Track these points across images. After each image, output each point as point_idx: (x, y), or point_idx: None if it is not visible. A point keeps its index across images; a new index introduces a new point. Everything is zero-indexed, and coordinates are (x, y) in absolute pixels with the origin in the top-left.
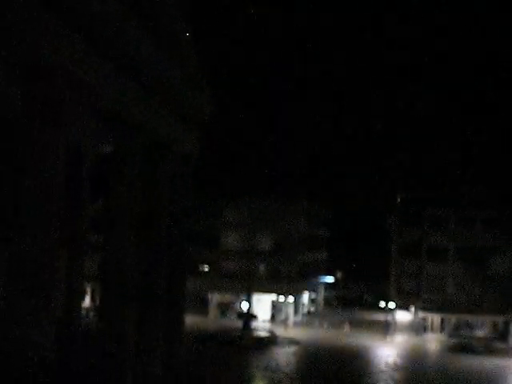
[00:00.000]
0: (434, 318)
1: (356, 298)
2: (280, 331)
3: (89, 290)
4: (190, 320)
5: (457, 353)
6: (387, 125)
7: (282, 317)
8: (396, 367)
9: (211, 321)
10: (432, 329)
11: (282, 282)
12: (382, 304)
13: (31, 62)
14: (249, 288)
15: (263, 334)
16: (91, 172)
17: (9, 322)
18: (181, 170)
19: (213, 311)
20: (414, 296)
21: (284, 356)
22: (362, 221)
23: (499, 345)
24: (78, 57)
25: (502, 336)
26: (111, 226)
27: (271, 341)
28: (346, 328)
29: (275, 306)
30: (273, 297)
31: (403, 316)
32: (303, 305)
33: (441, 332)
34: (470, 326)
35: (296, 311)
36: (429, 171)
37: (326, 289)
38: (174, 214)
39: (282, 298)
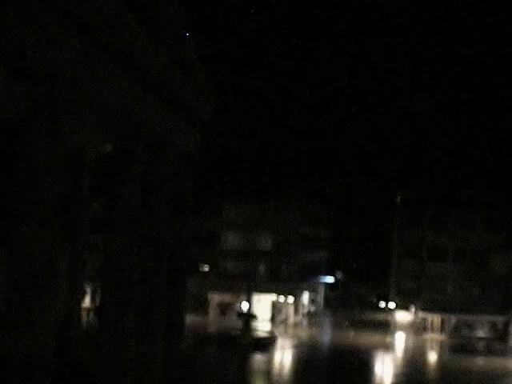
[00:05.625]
0: (434, 318)
1: (356, 298)
2: (280, 331)
3: (89, 290)
4: (190, 320)
5: (457, 353)
6: (387, 124)
7: (282, 317)
8: (396, 367)
9: (211, 321)
10: (432, 329)
11: (281, 282)
12: (382, 304)
13: (33, 65)
14: (249, 288)
15: (263, 334)
16: (92, 172)
17: (9, 323)
18: (181, 170)
19: (213, 311)
20: (413, 296)
21: (284, 356)
22: (362, 221)
23: (499, 345)
24: (80, 58)
25: (502, 336)
26: (112, 226)
27: (271, 341)
28: (346, 328)
29: (275, 306)
30: (273, 297)
31: (403, 316)
32: (303, 305)
33: (441, 332)
34: (470, 326)
35: (296, 311)
36: (429, 171)
37: (326, 289)
38: (174, 213)
39: (282, 298)
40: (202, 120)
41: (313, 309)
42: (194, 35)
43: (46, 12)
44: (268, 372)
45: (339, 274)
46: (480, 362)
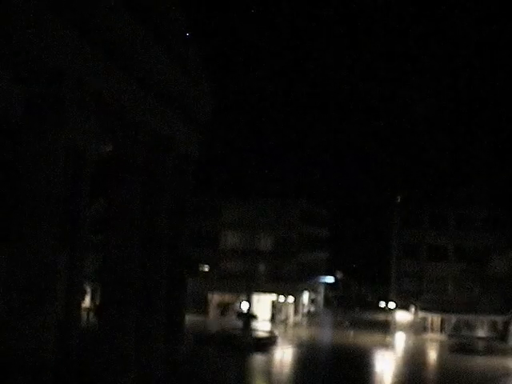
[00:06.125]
0: (434, 318)
1: (356, 298)
2: (280, 331)
3: (89, 290)
4: (190, 320)
5: (457, 353)
6: (387, 124)
7: (282, 317)
8: (396, 367)
9: (211, 321)
10: (432, 329)
11: (281, 282)
12: (382, 304)
13: (34, 65)
14: (249, 288)
15: (263, 334)
16: (92, 172)
17: (9, 323)
18: (181, 170)
19: (213, 311)
20: (413, 296)
21: (284, 356)
22: (362, 221)
23: (499, 345)
24: (81, 59)
25: (502, 336)
26: (112, 226)
27: (271, 341)
28: (346, 328)
29: (275, 306)
30: (273, 297)
31: (403, 316)
32: (303, 305)
33: (441, 332)
34: (469, 326)
35: (296, 311)
36: (429, 171)
37: (326, 289)
38: (174, 213)
39: (282, 298)
40: (201, 120)
41: (313, 309)
42: (194, 36)
43: (46, 13)
44: (268, 372)
45: (339, 274)
46: (480, 361)
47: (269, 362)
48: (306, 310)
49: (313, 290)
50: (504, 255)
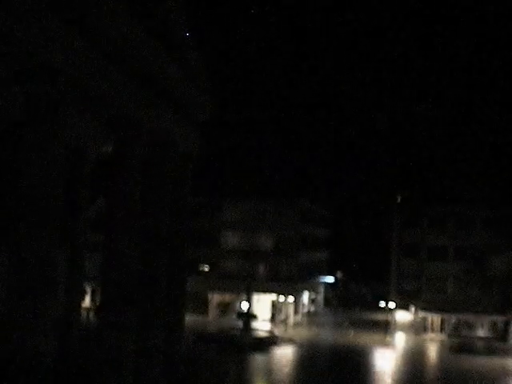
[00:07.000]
0: (434, 318)
1: (356, 298)
2: (280, 331)
3: (89, 290)
4: (190, 320)
5: (457, 353)
6: (388, 125)
7: (282, 317)
8: (396, 367)
9: (211, 321)
10: (432, 329)
11: (281, 282)
12: (382, 304)
13: (33, 64)
14: (249, 288)
15: (263, 334)
16: (92, 172)
17: (9, 323)
18: (181, 170)
19: (213, 311)
20: (413, 296)
21: (283, 356)
22: (362, 221)
23: (499, 344)
24: (79, 58)
25: (502, 336)
26: (112, 226)
27: (271, 341)
28: (346, 328)
29: (275, 306)
30: (273, 297)
31: (403, 316)
32: (303, 305)
33: (441, 332)
34: (469, 326)
35: (296, 311)
36: (429, 171)
37: (326, 289)
38: (174, 213)
39: (282, 298)
40: (201, 119)
41: (313, 309)
42: (194, 35)
43: (46, 13)
44: (268, 372)
45: (339, 274)
46: (480, 361)
47: (269, 362)
48: (305, 310)
49: (313, 289)
50: (504, 255)
